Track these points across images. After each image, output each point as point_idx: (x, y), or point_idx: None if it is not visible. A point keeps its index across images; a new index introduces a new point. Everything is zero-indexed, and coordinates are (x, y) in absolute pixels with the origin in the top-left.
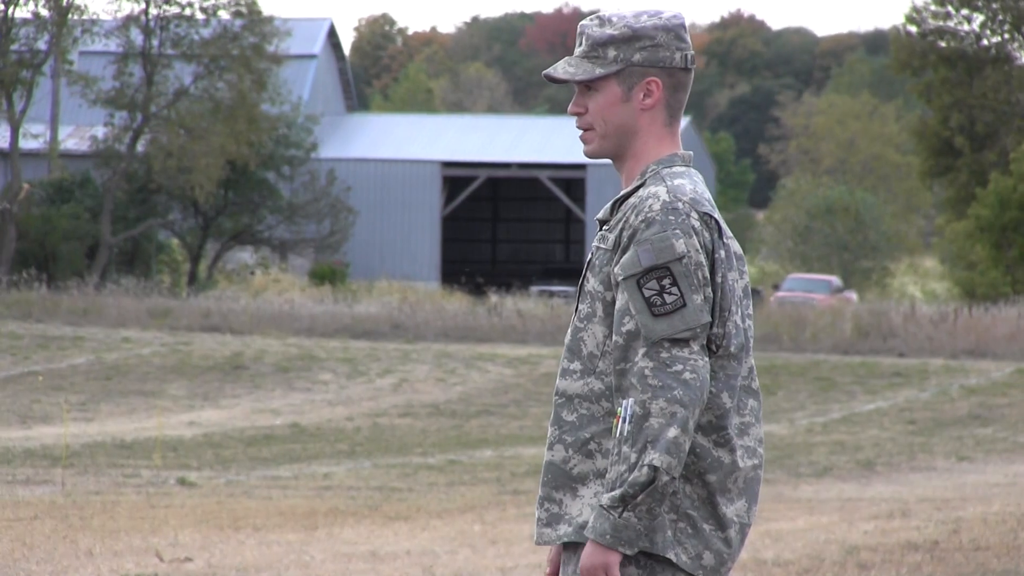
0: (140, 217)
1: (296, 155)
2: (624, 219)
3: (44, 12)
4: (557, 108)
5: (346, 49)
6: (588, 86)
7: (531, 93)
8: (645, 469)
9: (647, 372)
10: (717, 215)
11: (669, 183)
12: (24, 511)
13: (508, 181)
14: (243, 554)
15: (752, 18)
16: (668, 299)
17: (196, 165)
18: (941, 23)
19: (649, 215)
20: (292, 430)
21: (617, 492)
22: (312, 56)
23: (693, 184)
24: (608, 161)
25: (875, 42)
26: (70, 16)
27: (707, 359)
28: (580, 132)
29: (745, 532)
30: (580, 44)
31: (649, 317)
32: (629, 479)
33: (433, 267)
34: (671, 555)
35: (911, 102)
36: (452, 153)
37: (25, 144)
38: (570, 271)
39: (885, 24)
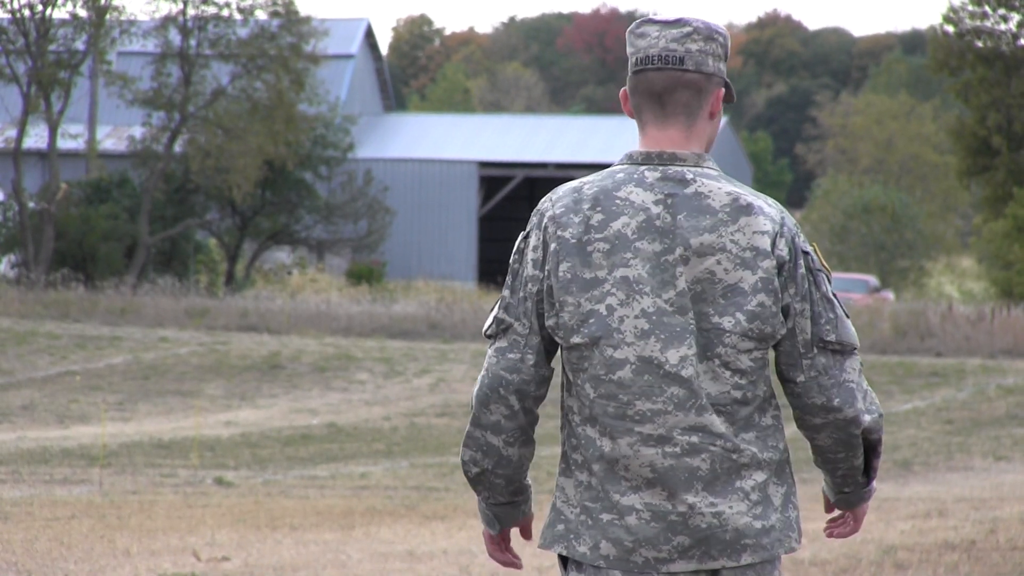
0: (178, 217)
1: (333, 155)
2: None
3: (82, 13)
4: (594, 108)
5: (383, 49)
6: None
7: (568, 93)
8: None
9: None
10: (558, 210)
11: (567, 183)
12: (62, 510)
13: (545, 181)
14: (280, 553)
15: (789, 18)
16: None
17: (234, 165)
18: (978, 23)
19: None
20: (329, 430)
21: None
22: (350, 56)
23: (592, 181)
24: None
25: (912, 42)
26: (108, 17)
27: (513, 355)
28: None
29: (670, 519)
30: None
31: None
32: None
33: (470, 267)
34: (559, 549)
35: (948, 102)
36: (489, 153)
37: (63, 144)
38: None
39: (922, 24)
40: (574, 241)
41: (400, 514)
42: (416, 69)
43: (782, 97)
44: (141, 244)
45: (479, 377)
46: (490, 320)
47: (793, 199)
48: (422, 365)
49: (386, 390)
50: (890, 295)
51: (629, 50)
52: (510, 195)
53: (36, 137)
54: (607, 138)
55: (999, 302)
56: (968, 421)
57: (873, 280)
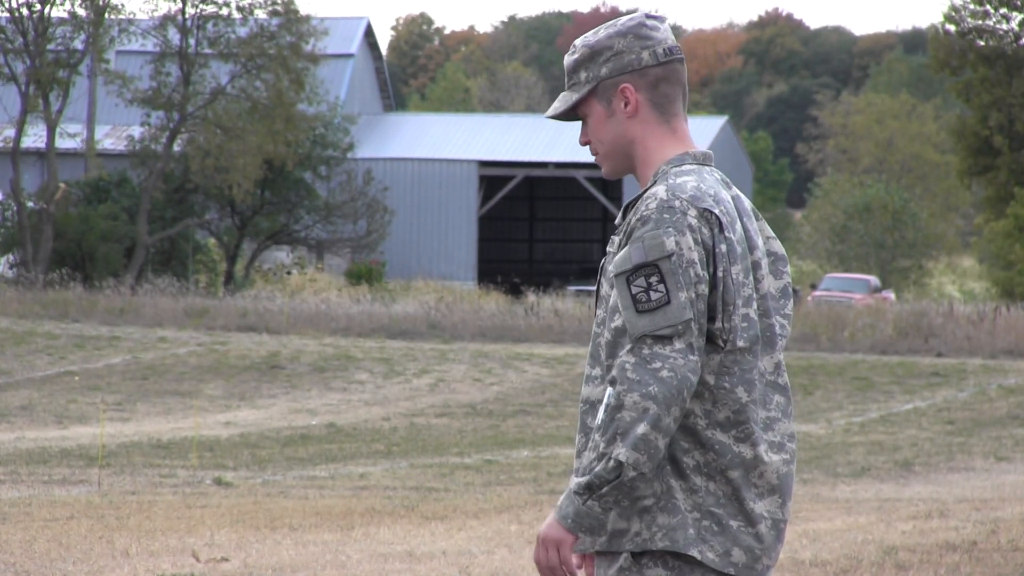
0: (177, 217)
1: (333, 155)
2: (628, 221)
3: (81, 12)
4: None
5: (383, 48)
6: (579, 115)
7: None
8: (611, 463)
9: (627, 366)
10: (719, 210)
11: (671, 181)
12: (61, 511)
13: (545, 180)
14: (279, 554)
15: (790, 17)
16: (653, 296)
17: (233, 165)
18: (980, 22)
19: (645, 213)
20: (328, 430)
21: (584, 480)
22: (349, 55)
23: (699, 181)
24: None
25: (913, 41)
26: (107, 16)
27: (694, 357)
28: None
29: (780, 528)
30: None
31: (633, 313)
32: (596, 469)
33: (470, 267)
34: (694, 552)
35: (950, 101)
36: (489, 152)
37: (62, 144)
38: None
39: (923, 23)
40: (735, 242)
41: (400, 514)
42: (416, 69)
43: (782, 96)
44: (140, 244)
45: (654, 376)
46: (668, 318)
47: (793, 199)
48: (422, 365)
49: (385, 390)
50: (891, 295)
51: (643, 44)
52: (510, 195)
53: (35, 137)
54: None
55: (1000, 302)
56: (969, 421)
57: (874, 280)
